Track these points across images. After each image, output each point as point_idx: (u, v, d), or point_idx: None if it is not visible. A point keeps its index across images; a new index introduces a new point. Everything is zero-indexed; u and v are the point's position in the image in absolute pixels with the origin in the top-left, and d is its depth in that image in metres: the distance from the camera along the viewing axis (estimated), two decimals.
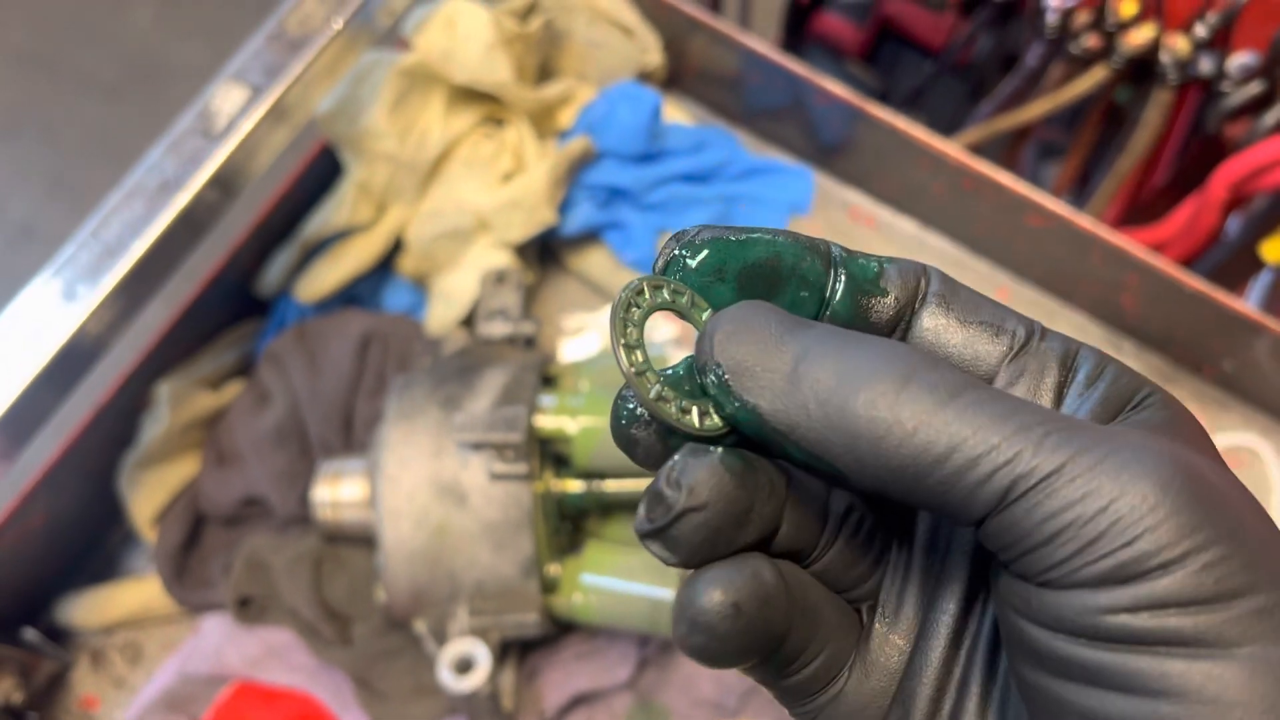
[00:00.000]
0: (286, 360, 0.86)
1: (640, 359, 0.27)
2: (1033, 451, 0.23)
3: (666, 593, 0.75)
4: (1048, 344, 0.28)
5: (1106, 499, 0.22)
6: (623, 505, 0.82)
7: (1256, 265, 1.09)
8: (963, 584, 0.28)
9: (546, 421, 0.75)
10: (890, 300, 0.28)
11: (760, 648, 0.26)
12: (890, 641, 0.29)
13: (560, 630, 0.80)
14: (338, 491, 0.78)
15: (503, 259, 0.89)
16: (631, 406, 0.27)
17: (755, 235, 0.28)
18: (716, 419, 0.27)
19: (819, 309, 0.28)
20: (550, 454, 0.77)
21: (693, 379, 0.27)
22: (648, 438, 0.27)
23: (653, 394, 0.27)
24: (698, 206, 0.97)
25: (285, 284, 0.90)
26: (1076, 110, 1.15)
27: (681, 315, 0.28)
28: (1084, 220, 0.88)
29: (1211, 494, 0.23)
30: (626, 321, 0.27)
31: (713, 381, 0.26)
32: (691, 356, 0.27)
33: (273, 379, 0.86)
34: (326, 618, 0.79)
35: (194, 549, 0.86)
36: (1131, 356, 0.96)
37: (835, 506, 0.29)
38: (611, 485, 0.79)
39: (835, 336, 0.25)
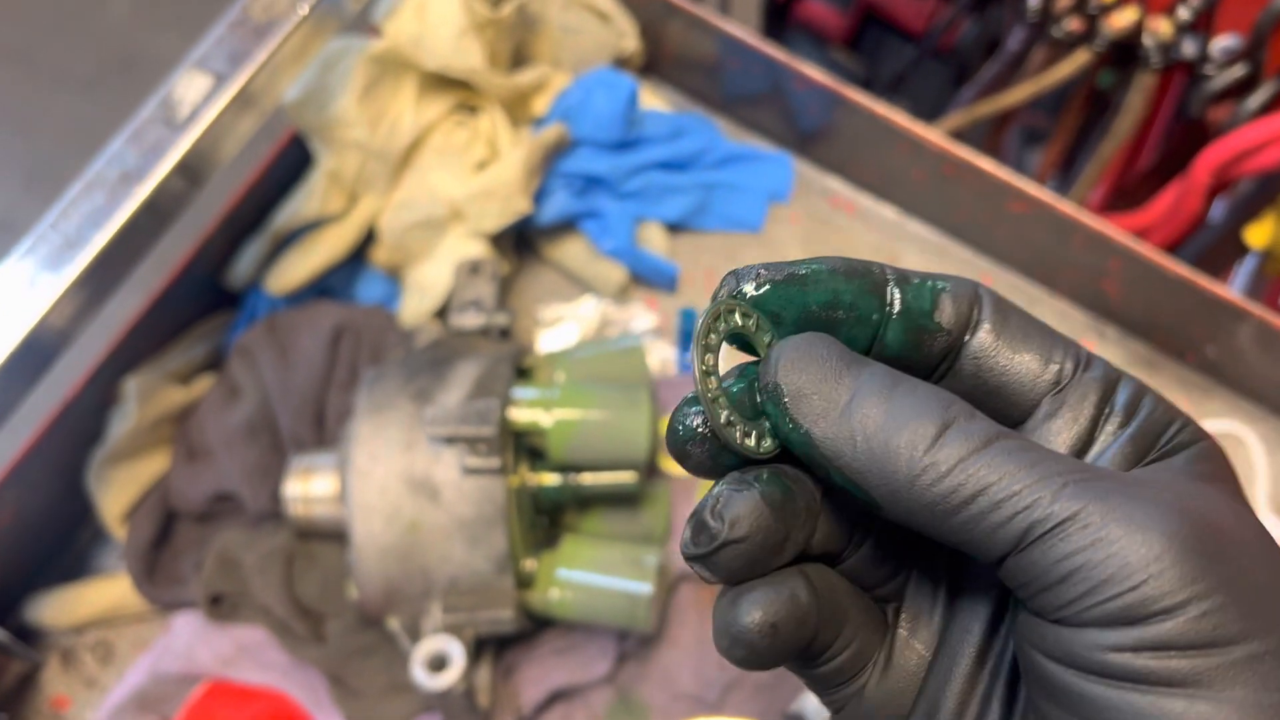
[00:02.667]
0: (257, 353, 0.85)
1: (716, 384, 0.29)
2: (1050, 499, 0.25)
3: (644, 587, 0.74)
4: (1091, 374, 0.29)
5: (1115, 546, 0.24)
6: (599, 499, 0.80)
7: (1241, 250, 1.08)
8: (989, 604, 0.30)
9: (521, 414, 0.74)
10: (943, 335, 0.29)
11: (794, 654, 0.29)
12: (911, 646, 0.31)
13: (537, 626, 0.79)
14: (309, 487, 0.77)
15: (477, 249, 0.88)
16: (691, 423, 0.29)
17: (817, 279, 0.29)
18: (769, 441, 0.29)
19: (870, 343, 0.29)
20: (525, 447, 0.76)
21: (751, 397, 0.29)
22: (701, 454, 0.29)
23: (723, 419, 0.28)
24: (676, 195, 0.95)
25: (256, 276, 0.89)
26: (1060, 96, 1.14)
27: (749, 339, 0.29)
28: (1065, 206, 0.87)
29: (1216, 544, 0.24)
30: (706, 348, 0.28)
31: (772, 403, 0.28)
32: (749, 373, 0.29)
33: (243, 373, 0.85)
34: (299, 615, 0.78)
35: (165, 546, 0.84)
36: (1114, 343, 0.95)
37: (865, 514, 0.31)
38: (588, 479, 0.78)
39: (888, 377, 0.27)
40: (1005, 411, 0.29)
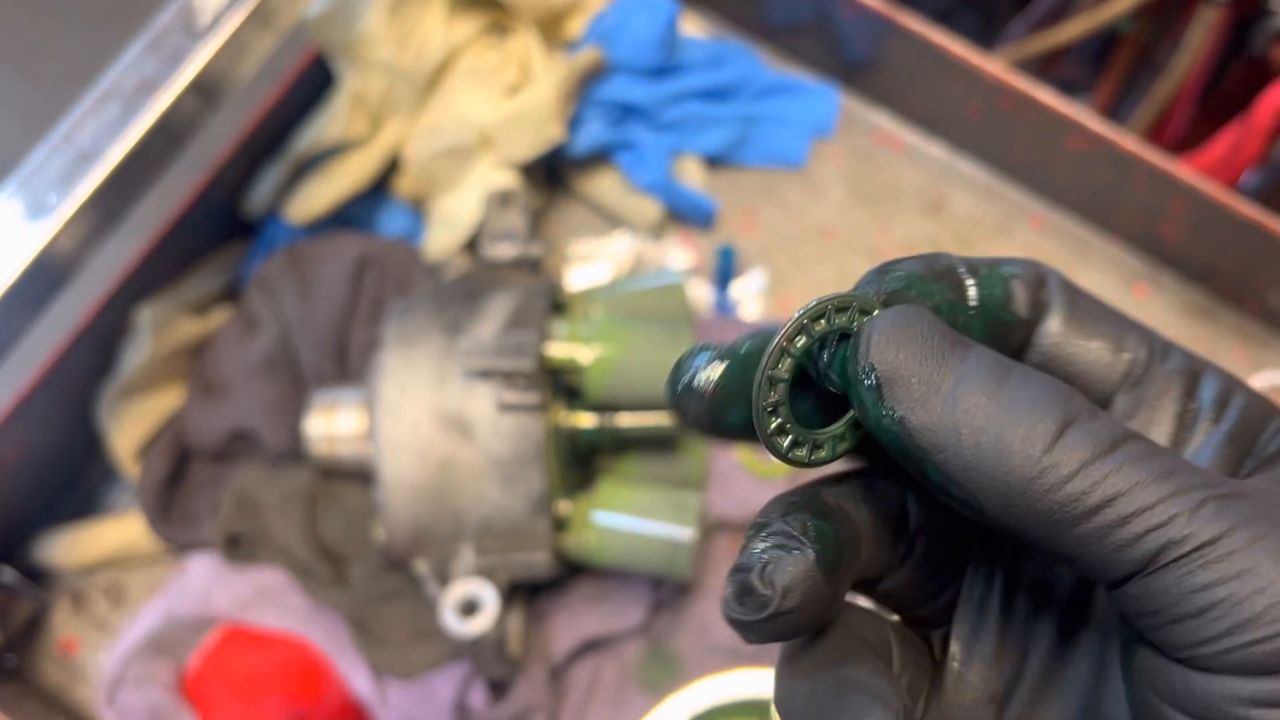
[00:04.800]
0: (277, 285, 0.80)
1: (780, 393, 0.25)
2: (1188, 516, 0.21)
3: (686, 532, 0.70)
4: (1170, 365, 0.26)
5: (1265, 580, 0.21)
6: (638, 441, 0.77)
7: None
8: (1053, 627, 0.27)
9: (558, 350, 0.70)
10: (1021, 326, 0.26)
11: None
12: (966, 682, 0.28)
13: (569, 572, 0.76)
14: (333, 424, 0.73)
15: (506, 179, 0.83)
16: (699, 379, 0.26)
17: (910, 285, 0.26)
18: (823, 452, 0.26)
19: None
20: (561, 386, 0.72)
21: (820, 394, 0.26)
22: (699, 410, 0.26)
23: (770, 426, 0.25)
24: (715, 127, 0.91)
25: (274, 204, 0.84)
26: (1102, 46, 1.09)
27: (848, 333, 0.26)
28: (1129, 142, 0.83)
29: None
30: (785, 352, 0.25)
31: (861, 386, 0.24)
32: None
33: (262, 304, 0.81)
34: (321, 557, 0.74)
35: (179, 484, 0.81)
36: (1170, 290, 0.91)
37: (909, 522, 0.28)
38: (626, 420, 0.74)
39: (998, 363, 0.24)
40: None
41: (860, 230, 0.91)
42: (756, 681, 0.74)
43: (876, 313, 0.25)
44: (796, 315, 0.25)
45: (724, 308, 0.88)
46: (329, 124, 0.82)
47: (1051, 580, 0.28)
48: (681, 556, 0.70)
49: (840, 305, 0.25)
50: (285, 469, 0.78)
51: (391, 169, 0.86)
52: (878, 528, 0.27)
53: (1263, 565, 0.21)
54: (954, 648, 0.28)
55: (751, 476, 0.82)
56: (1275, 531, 0.21)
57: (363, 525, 0.75)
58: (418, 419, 0.67)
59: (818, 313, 0.25)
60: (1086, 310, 0.26)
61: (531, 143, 0.82)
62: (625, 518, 0.71)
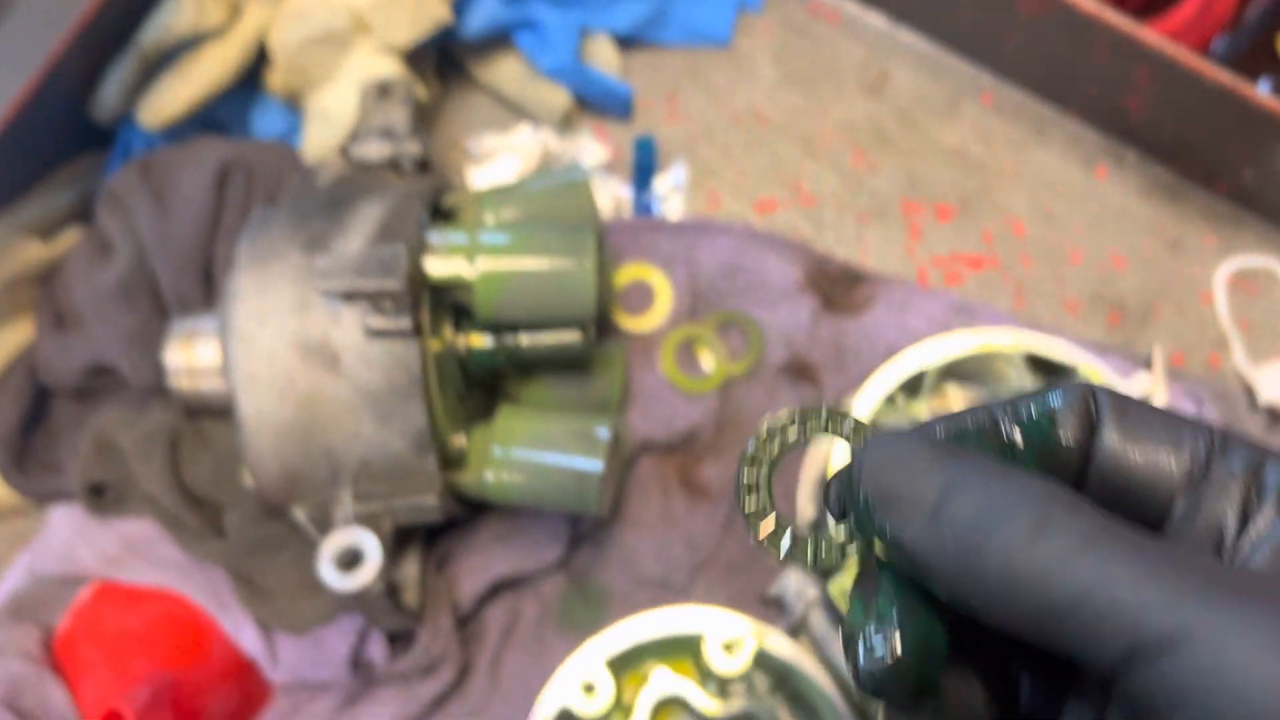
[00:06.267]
0: (128, 200, 0.71)
1: (760, 500, 0.28)
2: (1161, 611, 0.21)
3: (593, 464, 0.63)
4: (1231, 458, 0.26)
5: (1235, 676, 0.20)
6: (542, 363, 0.69)
7: (1269, 63, 0.95)
8: None
9: (439, 265, 0.61)
10: (1074, 453, 0.27)
11: None
12: None
13: (473, 511, 0.68)
14: (192, 356, 0.64)
15: (389, 67, 0.73)
16: (880, 651, 0.25)
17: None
18: (851, 546, 0.28)
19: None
20: (449, 303, 0.64)
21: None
22: (902, 690, 0.25)
23: (784, 551, 0.28)
24: (625, 1, 0.81)
25: (126, 106, 0.74)
26: None
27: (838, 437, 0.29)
28: (1087, 4, 0.73)
29: None
30: (751, 488, 0.28)
31: (864, 512, 0.26)
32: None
33: (113, 223, 0.71)
34: (190, 505, 0.67)
35: (38, 429, 0.72)
36: (1134, 169, 0.82)
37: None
38: (525, 340, 0.66)
39: (983, 471, 0.24)
40: (1140, 513, 0.27)
41: (794, 114, 0.82)
42: (684, 619, 0.67)
43: (853, 419, 0.28)
44: (763, 425, 0.28)
45: (644, 206, 0.79)
46: (179, 11, 0.71)
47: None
48: (591, 490, 0.63)
49: (804, 416, 0.28)
50: (153, 408, 0.70)
51: (260, 62, 0.76)
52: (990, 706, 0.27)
53: (1231, 658, 0.20)
54: None
55: (678, 392, 0.74)
56: (1254, 620, 0.20)
57: (234, 469, 0.67)
58: (276, 349, 0.59)
59: (782, 422, 0.28)
60: (1138, 418, 0.27)
61: (412, 24, 0.72)
62: (527, 451, 0.63)
